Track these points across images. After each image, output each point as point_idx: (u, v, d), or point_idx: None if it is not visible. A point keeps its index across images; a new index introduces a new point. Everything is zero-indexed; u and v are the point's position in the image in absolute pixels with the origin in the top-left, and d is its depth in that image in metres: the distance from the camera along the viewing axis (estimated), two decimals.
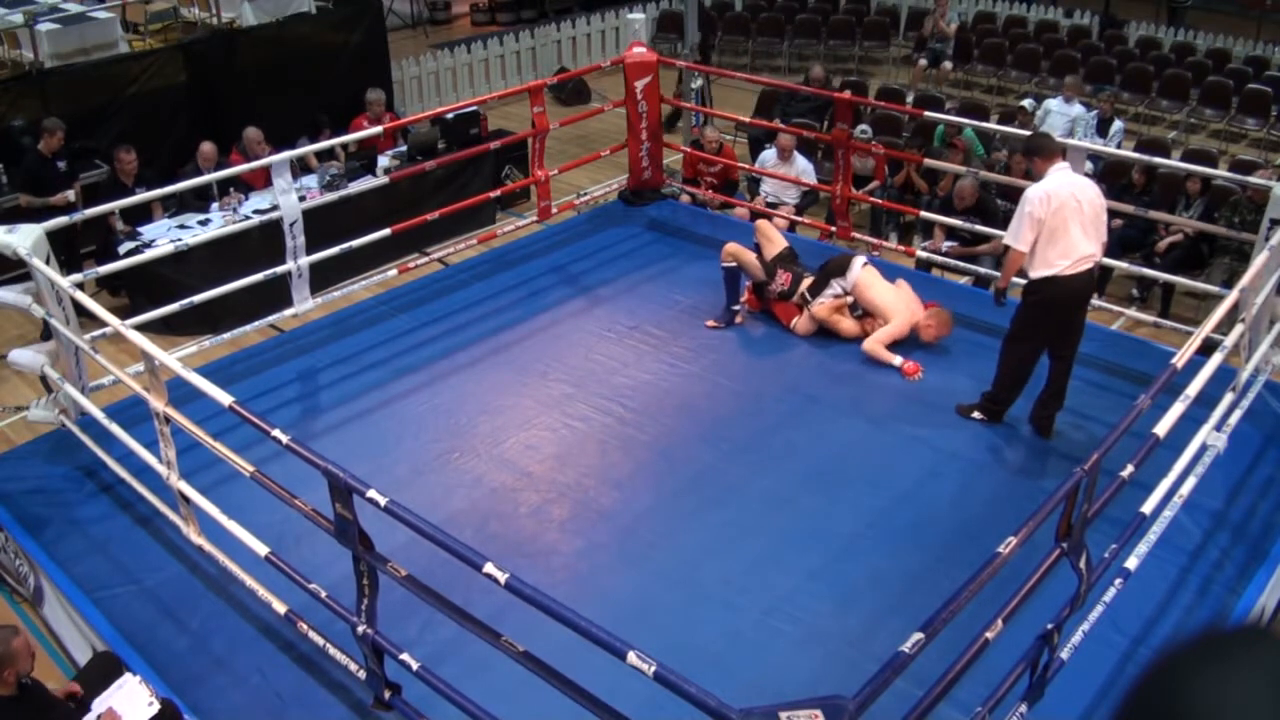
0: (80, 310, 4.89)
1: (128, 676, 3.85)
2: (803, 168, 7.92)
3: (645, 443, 5.24)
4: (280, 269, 5.93)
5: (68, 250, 6.66)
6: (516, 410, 5.52)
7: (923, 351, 5.88)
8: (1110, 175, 8.30)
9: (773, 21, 13.27)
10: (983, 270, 6.64)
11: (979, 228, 6.99)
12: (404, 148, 8.67)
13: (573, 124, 8.32)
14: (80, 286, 4.80)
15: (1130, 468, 3.49)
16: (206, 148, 7.85)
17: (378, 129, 7.67)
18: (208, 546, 4.32)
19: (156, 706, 3.70)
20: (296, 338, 6.34)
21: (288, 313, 6.12)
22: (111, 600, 4.36)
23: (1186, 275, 7.08)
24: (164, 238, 7.14)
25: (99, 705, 3.75)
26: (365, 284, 6.68)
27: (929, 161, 7.28)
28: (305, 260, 5.97)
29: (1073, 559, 3.34)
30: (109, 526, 4.80)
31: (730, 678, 3.52)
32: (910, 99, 10.58)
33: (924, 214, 7.20)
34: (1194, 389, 3.80)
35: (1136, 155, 6.94)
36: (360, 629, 3.50)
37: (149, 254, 6.06)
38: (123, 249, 7.15)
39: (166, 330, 6.69)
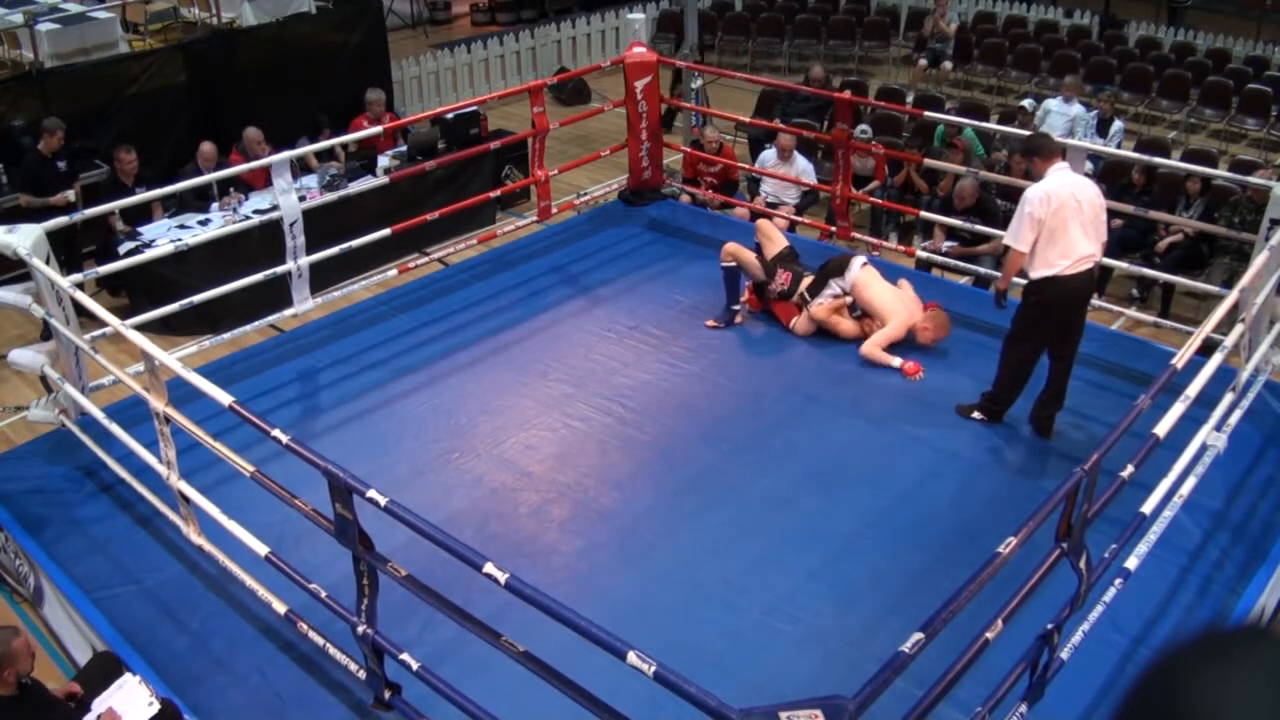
0: (80, 310, 4.89)
1: (128, 676, 3.85)
2: (803, 168, 7.92)
3: (645, 443, 5.24)
4: (280, 269, 5.93)
5: (68, 250, 6.66)
6: (516, 410, 5.52)
7: (923, 352, 5.88)
8: (1110, 175, 8.30)
9: (773, 21, 13.27)
10: (983, 270, 6.64)
11: (979, 228, 6.99)
12: (404, 148, 8.67)
13: (573, 124, 8.32)
14: (80, 286, 4.80)
15: (1130, 468, 3.49)
16: (206, 148, 7.85)
17: (378, 129, 7.67)
18: (208, 546, 4.32)
19: (156, 706, 3.71)
20: (296, 338, 6.34)
21: (288, 313, 6.12)
22: (111, 600, 4.36)
23: (1186, 275, 7.08)
24: (164, 238, 7.14)
25: (99, 705, 3.75)
26: (365, 284, 6.68)
27: (929, 161, 7.28)
28: (305, 260, 5.97)
29: (1073, 559, 3.34)
30: (109, 526, 4.80)
31: (730, 678, 3.52)
32: (910, 99, 10.58)
33: (924, 214, 7.20)
34: (1194, 389, 3.80)
35: (1136, 155, 6.94)
36: (360, 629, 3.50)
37: (149, 254, 6.06)
38: (123, 249, 7.15)
39: (166, 330, 6.69)
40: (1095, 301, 5.81)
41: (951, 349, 5.92)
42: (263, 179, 7.66)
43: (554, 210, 7.46)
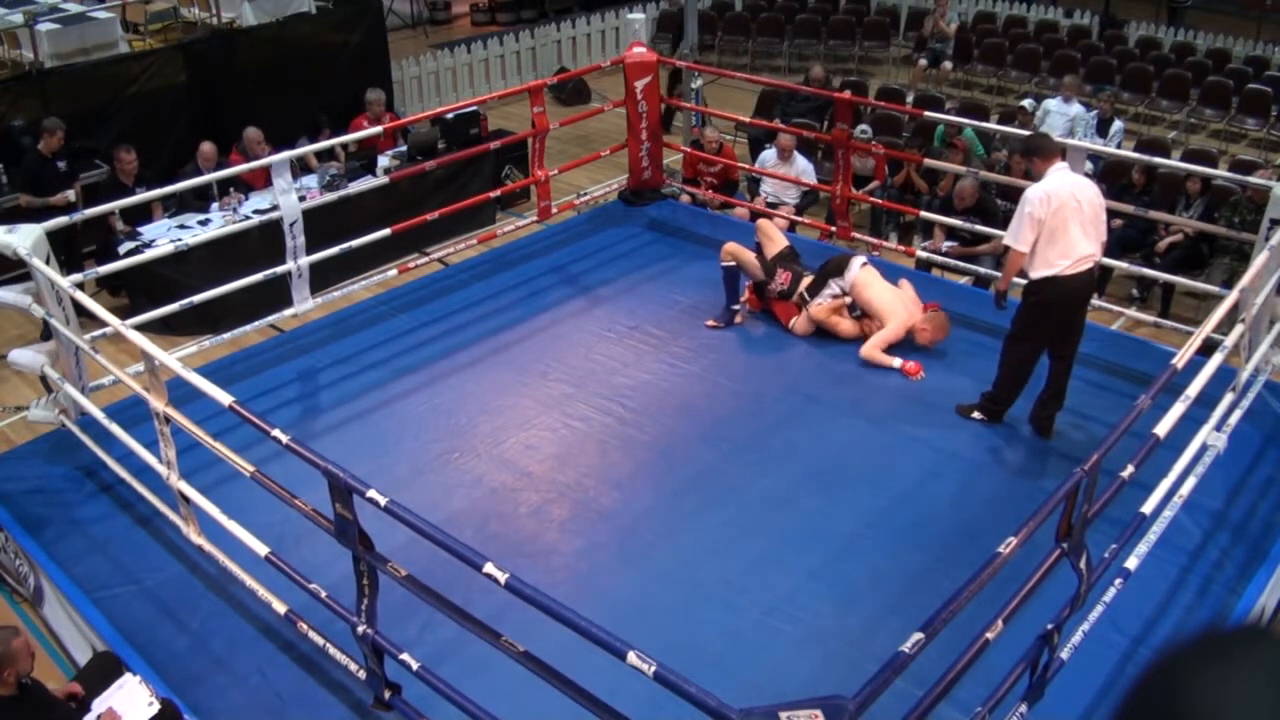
0: (80, 310, 4.89)
1: (128, 676, 3.85)
2: (803, 168, 7.92)
3: (645, 443, 5.24)
4: (280, 269, 5.93)
5: (68, 250, 6.66)
6: (516, 410, 5.52)
7: (923, 352, 5.87)
8: (1110, 175, 8.30)
9: (773, 21, 13.27)
10: (983, 270, 6.64)
11: (979, 228, 6.99)
12: (404, 148, 8.67)
13: (573, 124, 8.33)
14: (80, 286, 4.80)
15: (1130, 468, 3.49)
16: (206, 148, 7.85)
17: (378, 129, 7.67)
18: (208, 546, 4.32)
19: (156, 706, 3.71)
20: (296, 338, 6.34)
21: (288, 313, 6.12)
22: (111, 600, 4.36)
23: (1186, 275, 7.08)
24: (164, 238, 7.14)
25: (99, 705, 3.75)
26: (365, 284, 6.68)
27: (929, 161, 7.28)
28: (305, 260, 5.97)
29: (1073, 559, 3.34)
30: (109, 526, 4.80)
31: (730, 678, 3.52)
32: (910, 99, 10.58)
33: (924, 214, 7.20)
34: (1194, 389, 3.80)
35: (1136, 155, 6.94)
36: (360, 629, 3.50)
37: (149, 254, 6.06)
38: (123, 249, 7.15)
39: (166, 330, 6.69)
40: (1095, 301, 5.81)
41: (951, 349, 5.92)
42: (263, 179, 7.66)
43: (554, 210, 7.46)
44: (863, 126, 7.70)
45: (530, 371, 5.86)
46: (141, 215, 7.61)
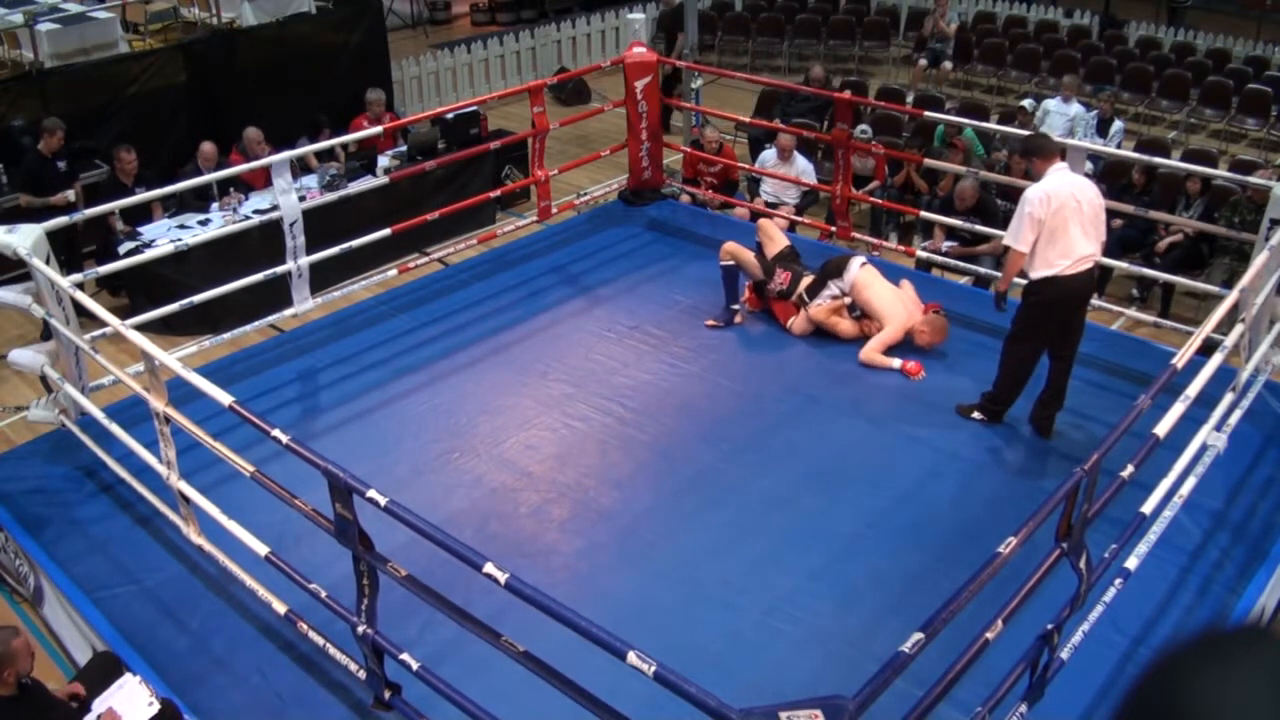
0: (80, 310, 4.89)
1: (128, 676, 3.85)
2: (803, 168, 7.92)
3: (645, 443, 5.24)
4: (280, 269, 5.93)
5: (68, 250, 6.66)
6: (516, 410, 5.52)
7: (923, 352, 5.87)
8: (1110, 175, 8.30)
9: (773, 21, 13.27)
10: (983, 270, 6.64)
11: (979, 228, 6.99)
12: (404, 148, 8.67)
13: (573, 124, 8.33)
14: (80, 286, 4.80)
15: (1130, 468, 3.49)
16: (206, 148, 7.85)
17: (378, 129, 7.67)
18: (208, 546, 4.32)
19: (156, 706, 3.71)
20: (296, 338, 6.34)
21: (288, 313, 6.12)
22: (111, 600, 4.36)
23: (1186, 275, 7.08)
24: (164, 238, 7.14)
25: (99, 705, 3.75)
26: (365, 284, 6.68)
27: (929, 161, 7.28)
28: (305, 260, 5.97)
29: (1073, 559, 3.34)
30: (109, 526, 4.80)
31: (730, 678, 3.52)
32: (910, 99, 10.58)
33: (924, 214, 7.20)
34: (1194, 389, 3.80)
35: (1136, 155, 6.94)
36: (360, 629, 3.50)
37: (149, 254, 6.06)
38: (123, 249, 7.15)
39: (166, 330, 6.69)
40: (1095, 301, 5.81)
41: (951, 349, 5.92)
42: (263, 179, 7.66)
43: (554, 210, 7.46)
44: (863, 126, 7.70)
45: (530, 371, 5.86)
46: (141, 215, 7.61)
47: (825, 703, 2.38)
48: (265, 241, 6.44)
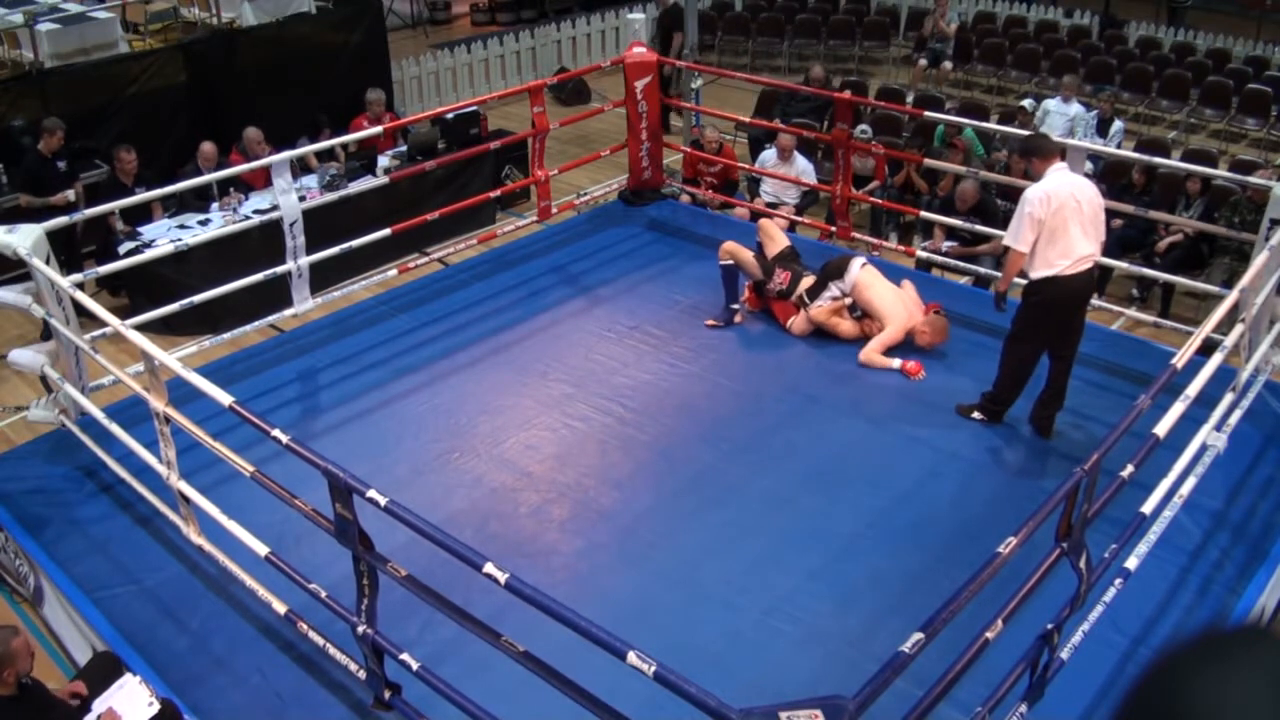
0: (80, 310, 4.89)
1: (128, 676, 3.85)
2: (803, 168, 7.92)
3: (645, 443, 5.24)
4: (280, 269, 5.93)
5: (68, 250, 6.67)
6: (516, 410, 5.52)
7: (923, 352, 5.87)
8: (1110, 175, 8.30)
9: (773, 21, 13.27)
10: (983, 270, 6.64)
11: (979, 228, 6.99)
12: (404, 148, 8.67)
13: (573, 124, 8.33)
14: (80, 286, 4.80)
15: (1130, 468, 3.49)
16: (207, 148, 7.85)
17: (378, 129, 7.67)
18: (208, 546, 4.32)
19: (156, 706, 3.71)
20: (296, 338, 6.34)
21: (288, 313, 6.12)
22: (111, 600, 4.36)
23: (1186, 275, 7.08)
24: (164, 238, 7.14)
25: (99, 705, 3.75)
26: (365, 284, 6.68)
27: (929, 161, 7.28)
28: (305, 260, 5.97)
29: (1073, 559, 3.34)
30: (109, 526, 4.80)
31: (730, 678, 3.52)
32: (910, 99, 10.58)
33: (924, 214, 7.20)
34: (1194, 389, 3.80)
35: (1136, 155, 6.94)
36: (360, 629, 3.50)
37: (149, 254, 6.06)
38: (123, 249, 7.15)
39: (166, 330, 6.69)
40: (1095, 301, 5.81)
41: (951, 349, 5.92)
42: (263, 179, 7.66)
43: (554, 210, 7.46)
44: (863, 126, 7.70)
45: (530, 371, 5.86)
46: (141, 215, 7.61)
47: (825, 703, 2.38)
48: (265, 241, 6.44)
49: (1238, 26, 12.67)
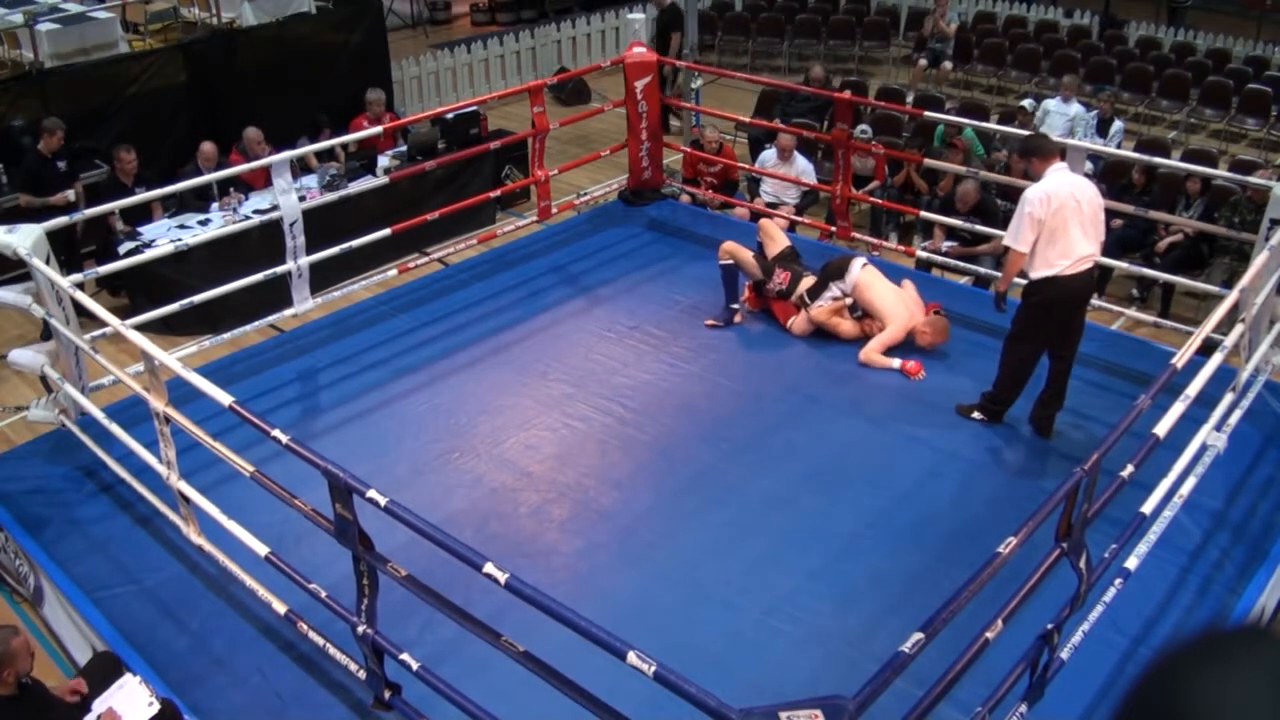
0: (80, 310, 4.89)
1: (128, 676, 3.85)
2: (803, 168, 7.92)
3: (645, 443, 5.24)
4: (280, 269, 5.93)
5: (68, 250, 6.66)
6: (516, 410, 5.52)
7: (923, 352, 5.87)
8: (1110, 175, 8.30)
9: (773, 21, 13.27)
10: (983, 270, 6.64)
11: (979, 228, 6.99)
12: (404, 148, 8.67)
13: (573, 124, 8.33)
14: (80, 286, 4.80)
15: (1130, 468, 3.49)
16: (207, 148, 7.85)
17: (378, 129, 7.67)
18: (208, 546, 4.32)
19: (156, 706, 3.71)
20: (296, 338, 6.34)
21: (288, 313, 6.12)
22: (111, 600, 4.36)
23: (1186, 275, 7.08)
24: (164, 238, 7.14)
25: (99, 705, 3.75)
26: (365, 284, 6.68)
27: (929, 161, 7.28)
28: (305, 260, 5.97)
29: (1073, 559, 3.34)
30: (109, 526, 4.80)
31: (730, 678, 3.52)
32: (910, 99, 10.58)
33: (924, 214, 7.20)
34: (1194, 389, 3.80)
35: (1136, 155, 6.94)
36: (360, 629, 3.50)
37: (149, 254, 6.06)
38: (123, 249, 7.15)
39: (166, 330, 6.69)
40: (1095, 301, 5.81)
41: (951, 349, 5.92)
42: (263, 179, 7.66)
43: (554, 210, 7.46)
44: (863, 126, 7.70)
45: (530, 371, 5.86)
46: (141, 215, 7.61)
47: (825, 703, 2.38)
48: (265, 241, 6.44)
49: (1238, 26, 12.67)
